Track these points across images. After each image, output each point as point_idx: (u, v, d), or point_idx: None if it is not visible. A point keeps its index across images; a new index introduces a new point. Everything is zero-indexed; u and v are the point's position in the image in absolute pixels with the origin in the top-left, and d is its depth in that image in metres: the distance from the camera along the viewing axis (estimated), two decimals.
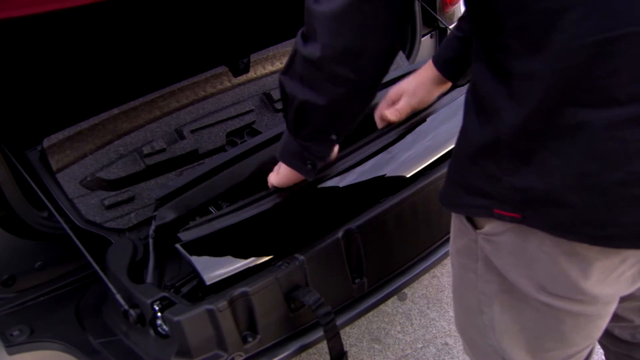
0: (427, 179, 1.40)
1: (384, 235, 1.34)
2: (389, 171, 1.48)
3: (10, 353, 1.26)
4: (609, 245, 0.76)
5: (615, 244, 0.75)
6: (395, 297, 2.11)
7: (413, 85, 1.31)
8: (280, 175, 1.19)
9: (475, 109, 0.82)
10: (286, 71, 0.95)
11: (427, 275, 2.20)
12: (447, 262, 2.26)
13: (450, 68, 1.25)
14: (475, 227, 0.88)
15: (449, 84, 1.30)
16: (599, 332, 0.92)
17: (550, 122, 0.72)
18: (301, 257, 1.18)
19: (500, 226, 0.83)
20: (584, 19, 0.66)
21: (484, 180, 0.81)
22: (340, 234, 1.24)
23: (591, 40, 0.66)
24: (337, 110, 0.94)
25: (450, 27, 2.01)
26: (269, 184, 1.24)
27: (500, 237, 0.84)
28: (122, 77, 2.08)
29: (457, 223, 0.94)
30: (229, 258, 1.21)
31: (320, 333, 1.24)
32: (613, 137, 0.69)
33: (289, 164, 1.10)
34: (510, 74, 0.74)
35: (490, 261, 0.88)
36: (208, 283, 1.17)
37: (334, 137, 1.01)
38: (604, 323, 0.90)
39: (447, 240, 1.49)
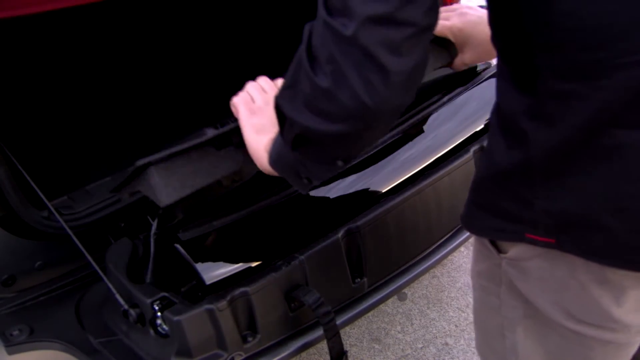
0: (428, 179, 1.40)
1: (384, 235, 1.34)
2: (389, 171, 1.48)
3: (10, 353, 1.26)
4: None
5: None
6: (395, 297, 2.11)
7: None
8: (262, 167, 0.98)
9: (501, 130, 0.78)
10: (286, 89, 0.77)
11: (427, 275, 2.20)
12: (447, 262, 2.28)
13: None
14: (499, 251, 0.86)
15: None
16: (627, 359, 0.88)
17: (587, 143, 0.68)
18: (301, 257, 1.18)
19: (528, 251, 0.80)
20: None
21: (513, 203, 0.78)
22: (340, 233, 1.24)
23: None
24: (351, 139, 0.76)
25: None
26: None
27: (527, 262, 0.81)
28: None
29: (478, 246, 0.91)
30: (228, 258, 1.21)
31: (320, 332, 1.24)
32: None
33: (281, 172, 0.92)
34: (544, 95, 0.70)
35: (515, 286, 0.85)
36: (208, 283, 1.17)
37: (340, 163, 0.84)
38: (633, 350, 0.87)
39: (447, 240, 1.50)
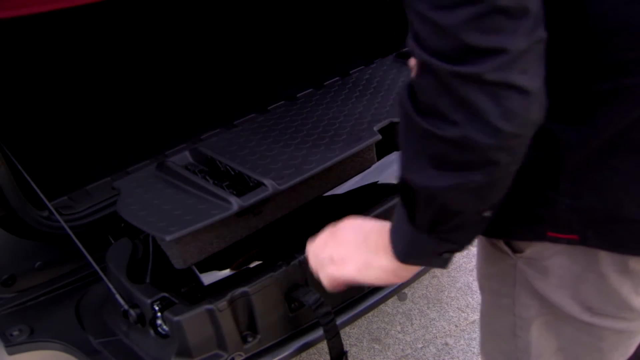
0: None
1: None
2: (390, 171, 1.48)
3: (10, 353, 1.26)
4: None
5: None
6: (395, 297, 2.11)
7: None
8: (377, 272, 0.84)
9: None
10: (409, 165, 0.70)
11: (427, 275, 2.20)
12: None
13: None
14: (514, 251, 0.86)
15: None
16: (634, 348, 0.90)
17: (616, 140, 0.69)
18: (301, 257, 1.18)
19: (546, 249, 0.81)
20: None
21: (534, 204, 0.78)
22: None
23: None
24: (498, 180, 0.68)
25: None
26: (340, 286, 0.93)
27: (544, 260, 0.82)
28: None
29: (488, 248, 0.91)
30: (227, 258, 1.21)
31: (320, 333, 1.24)
32: None
33: (416, 262, 0.80)
34: (577, 95, 0.70)
35: (531, 285, 0.86)
36: (206, 284, 1.17)
37: (488, 213, 0.74)
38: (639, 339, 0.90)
39: None
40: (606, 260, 0.77)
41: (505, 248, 0.87)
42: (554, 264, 0.82)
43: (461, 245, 0.77)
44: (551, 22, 0.64)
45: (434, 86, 0.60)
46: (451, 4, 0.57)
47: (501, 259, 0.89)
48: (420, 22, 0.59)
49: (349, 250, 0.86)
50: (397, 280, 0.84)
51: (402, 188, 0.73)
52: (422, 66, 0.61)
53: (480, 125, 0.60)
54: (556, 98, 0.71)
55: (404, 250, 0.78)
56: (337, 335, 1.17)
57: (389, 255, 0.80)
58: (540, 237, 0.80)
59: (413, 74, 0.65)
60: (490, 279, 0.94)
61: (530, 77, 0.60)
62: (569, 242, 0.77)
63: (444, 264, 0.79)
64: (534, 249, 0.83)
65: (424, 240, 0.75)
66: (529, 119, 0.62)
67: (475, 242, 1.02)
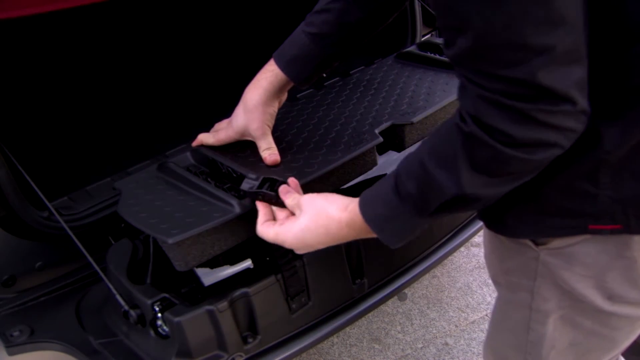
0: None
1: None
2: (390, 171, 1.48)
3: (10, 353, 1.26)
4: None
5: None
6: (395, 297, 2.11)
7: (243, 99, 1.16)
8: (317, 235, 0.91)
9: None
10: (458, 162, 0.74)
11: (427, 275, 2.20)
12: (447, 262, 2.28)
13: (296, 68, 1.11)
14: (537, 243, 0.87)
15: (285, 95, 1.17)
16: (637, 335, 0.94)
17: None
18: (301, 258, 1.18)
19: (574, 238, 0.83)
20: None
21: (573, 200, 0.80)
22: None
23: None
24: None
25: None
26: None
27: (572, 248, 0.84)
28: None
29: (506, 243, 0.92)
30: (226, 260, 1.21)
31: (320, 333, 1.24)
32: None
33: (399, 238, 0.85)
34: (627, 92, 0.73)
35: (554, 276, 0.87)
36: (206, 284, 1.17)
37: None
38: None
39: (447, 240, 1.50)
40: (639, 244, 0.80)
41: (528, 241, 0.88)
42: (581, 253, 0.83)
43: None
44: (596, 21, 0.69)
45: (517, 119, 0.67)
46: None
47: (521, 252, 0.90)
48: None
49: (314, 245, 0.93)
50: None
51: (425, 187, 0.77)
52: (497, 103, 0.67)
53: (543, 150, 0.69)
54: (600, 95, 0.73)
55: (395, 238, 0.84)
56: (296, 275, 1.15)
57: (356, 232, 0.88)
58: (581, 231, 0.81)
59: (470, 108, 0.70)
60: (508, 273, 0.95)
61: (580, 100, 0.68)
62: (612, 232, 0.79)
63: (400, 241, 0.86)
64: (561, 240, 0.85)
65: (409, 220, 0.82)
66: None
67: (483, 238, 1.03)
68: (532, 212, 0.84)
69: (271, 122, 1.16)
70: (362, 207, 0.85)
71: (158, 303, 1.10)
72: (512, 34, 0.63)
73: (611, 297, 0.85)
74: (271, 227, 0.95)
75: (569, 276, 0.86)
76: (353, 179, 1.27)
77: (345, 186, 1.30)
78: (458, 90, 0.73)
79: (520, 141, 0.68)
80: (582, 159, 0.77)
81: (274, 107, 1.15)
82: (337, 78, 1.65)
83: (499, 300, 1.02)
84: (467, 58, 0.68)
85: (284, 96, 1.17)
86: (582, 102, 0.68)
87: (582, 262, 0.84)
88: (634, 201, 0.77)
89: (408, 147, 1.37)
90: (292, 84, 1.14)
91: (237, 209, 1.06)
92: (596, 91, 0.73)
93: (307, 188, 1.17)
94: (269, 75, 1.12)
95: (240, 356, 1.14)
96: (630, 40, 0.71)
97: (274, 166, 1.18)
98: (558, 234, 0.85)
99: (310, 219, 0.90)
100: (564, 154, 0.75)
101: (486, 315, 2.08)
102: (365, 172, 1.29)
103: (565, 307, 0.89)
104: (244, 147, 1.29)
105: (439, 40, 1.71)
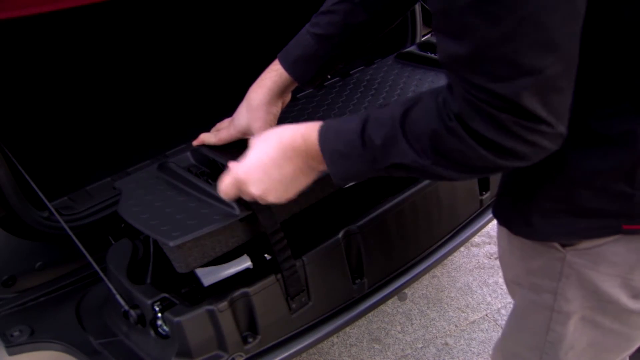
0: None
1: (384, 235, 1.34)
2: None
3: (10, 354, 1.26)
4: None
5: None
6: (395, 297, 2.11)
7: (246, 99, 1.15)
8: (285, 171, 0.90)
9: (576, 139, 0.79)
10: (435, 164, 0.78)
11: (427, 275, 2.20)
12: (447, 262, 2.28)
13: (300, 68, 1.11)
14: (564, 245, 0.88)
15: (289, 96, 1.18)
16: None
17: None
18: (302, 257, 1.18)
19: (605, 238, 0.84)
20: None
21: (607, 201, 0.81)
22: (340, 234, 1.25)
23: None
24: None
25: None
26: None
27: (600, 248, 0.85)
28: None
29: (530, 245, 0.92)
30: (226, 260, 1.21)
31: (320, 333, 1.24)
32: None
33: (332, 166, 0.86)
34: None
35: (580, 276, 0.88)
36: (206, 285, 1.17)
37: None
38: None
39: (447, 240, 1.50)
40: None
41: (554, 243, 0.89)
42: (609, 252, 0.84)
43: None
44: (621, 21, 0.71)
45: (497, 127, 0.69)
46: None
47: (546, 254, 0.90)
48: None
49: (270, 185, 0.90)
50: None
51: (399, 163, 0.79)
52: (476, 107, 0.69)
53: (511, 158, 0.72)
54: (635, 95, 0.75)
55: (346, 178, 0.86)
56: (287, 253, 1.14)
57: (317, 172, 0.90)
58: (615, 231, 0.82)
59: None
60: (531, 274, 0.95)
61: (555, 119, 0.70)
62: None
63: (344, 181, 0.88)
64: (591, 240, 0.85)
65: (368, 170, 0.84)
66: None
67: (498, 239, 1.03)
68: (564, 215, 0.85)
69: (274, 122, 1.15)
70: (322, 138, 0.85)
71: (158, 303, 1.10)
72: (505, 51, 0.64)
73: (636, 295, 0.86)
74: (227, 175, 0.93)
75: (595, 276, 0.87)
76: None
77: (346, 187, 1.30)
78: (446, 85, 0.74)
79: (495, 145, 0.70)
80: (620, 160, 0.78)
81: (278, 107, 1.15)
82: (337, 78, 1.65)
83: (519, 301, 1.02)
84: (457, 65, 0.69)
85: (288, 97, 1.17)
86: (560, 127, 0.70)
87: (610, 261, 0.85)
88: None
89: None
90: (296, 85, 1.14)
91: (238, 212, 1.06)
92: (628, 93, 0.75)
93: (307, 189, 1.17)
94: (273, 75, 1.12)
95: (240, 356, 1.13)
96: None
97: None
98: (591, 236, 0.85)
99: (262, 143, 0.90)
100: (599, 156, 0.78)
101: (486, 315, 2.08)
102: None
103: (587, 307, 0.90)
104: (245, 148, 1.29)
105: None
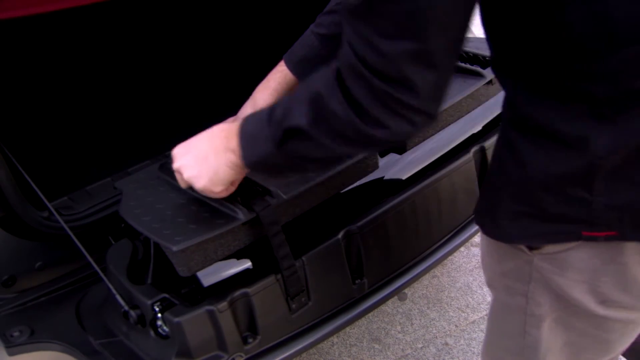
0: (428, 180, 1.39)
1: (384, 235, 1.34)
2: (390, 172, 1.48)
3: (10, 354, 1.26)
4: None
5: None
6: (395, 297, 2.11)
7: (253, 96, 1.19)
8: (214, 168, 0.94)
9: (537, 141, 0.79)
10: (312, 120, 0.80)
11: (427, 275, 2.20)
12: (447, 262, 2.28)
13: (305, 69, 1.13)
14: (531, 248, 0.87)
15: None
16: (634, 337, 0.93)
17: None
18: (301, 258, 1.18)
19: (567, 244, 0.83)
20: None
21: (567, 206, 0.80)
22: (340, 234, 1.25)
23: None
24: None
25: None
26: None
27: (565, 254, 0.84)
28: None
29: (502, 247, 0.92)
30: (227, 260, 1.20)
31: (320, 333, 1.24)
32: None
33: (242, 149, 0.89)
34: (605, 97, 0.72)
35: (547, 281, 0.87)
36: (206, 285, 1.17)
37: (310, 167, 0.96)
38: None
39: (447, 240, 1.50)
40: (631, 250, 0.80)
41: (522, 246, 0.88)
42: (574, 258, 0.83)
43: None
44: (581, 27, 0.70)
45: (371, 94, 0.71)
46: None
47: (516, 256, 0.90)
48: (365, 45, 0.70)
49: (198, 169, 0.95)
50: (239, 175, 0.96)
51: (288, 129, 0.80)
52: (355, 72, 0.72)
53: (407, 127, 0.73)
54: (588, 101, 0.73)
55: (253, 160, 0.88)
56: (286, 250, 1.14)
57: (235, 156, 0.91)
58: (576, 237, 0.81)
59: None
60: (504, 276, 0.95)
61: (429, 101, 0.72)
62: (607, 238, 0.79)
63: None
64: (554, 245, 0.84)
65: (270, 150, 0.84)
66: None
67: (480, 241, 1.03)
68: (528, 218, 0.84)
69: None
70: (242, 122, 0.88)
71: (158, 303, 1.10)
72: (395, 9, 0.66)
73: (604, 301, 0.84)
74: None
75: (562, 281, 0.86)
76: (354, 182, 1.27)
77: (346, 189, 1.31)
78: (339, 50, 0.75)
79: (363, 111, 0.72)
80: (575, 165, 0.77)
81: None
82: None
83: (494, 304, 1.02)
84: (352, 16, 0.70)
85: None
86: (428, 106, 0.71)
87: (575, 268, 0.84)
88: (630, 208, 0.76)
89: (409, 149, 1.37)
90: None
91: (241, 217, 1.06)
92: (584, 96, 0.73)
93: (308, 192, 1.17)
94: (278, 76, 1.14)
95: (240, 356, 1.13)
96: (616, 45, 0.70)
97: None
98: (552, 240, 0.85)
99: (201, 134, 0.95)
100: (558, 160, 0.76)
101: (486, 315, 2.08)
102: (366, 175, 1.29)
103: (558, 309, 0.89)
104: None
105: None
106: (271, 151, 0.83)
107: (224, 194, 1.01)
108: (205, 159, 0.93)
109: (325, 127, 0.77)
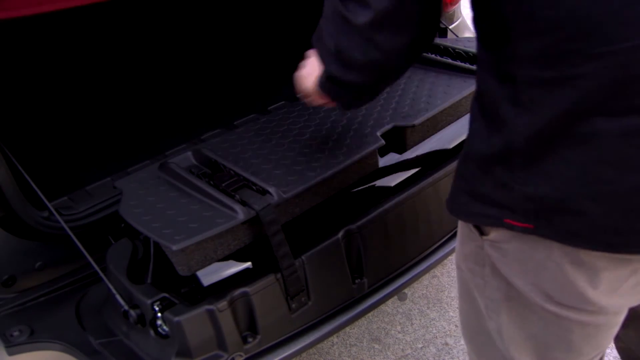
0: (427, 180, 1.40)
1: (384, 235, 1.34)
2: (389, 172, 1.49)
3: (10, 353, 1.26)
4: (626, 252, 0.76)
5: (632, 250, 0.75)
6: (395, 297, 2.11)
7: None
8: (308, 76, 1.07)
9: (482, 117, 0.81)
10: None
11: (427, 275, 2.20)
12: (447, 262, 2.27)
13: None
14: (482, 233, 0.88)
15: None
16: (608, 341, 0.91)
17: (566, 130, 0.71)
18: (301, 257, 1.18)
19: (507, 233, 0.82)
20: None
21: (494, 189, 0.80)
22: (340, 234, 1.25)
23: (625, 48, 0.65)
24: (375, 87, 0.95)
25: (450, 27, 2.01)
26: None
27: (506, 244, 0.84)
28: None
29: (464, 229, 0.94)
30: (227, 259, 1.20)
31: (320, 333, 1.24)
32: (630, 144, 0.69)
33: (325, 89, 1.00)
34: (524, 82, 0.73)
35: (497, 268, 0.87)
36: (205, 284, 1.17)
37: (365, 98, 1.00)
38: (613, 332, 0.90)
39: (447, 240, 1.50)
40: (559, 251, 0.79)
41: (474, 230, 0.89)
42: (515, 250, 0.83)
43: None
44: (503, 5, 0.71)
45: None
46: None
47: (473, 240, 0.91)
48: None
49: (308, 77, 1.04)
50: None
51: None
52: None
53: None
54: (508, 85, 0.74)
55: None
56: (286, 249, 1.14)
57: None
58: (499, 223, 0.82)
59: None
60: (466, 259, 0.96)
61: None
62: (524, 230, 0.79)
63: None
64: (497, 233, 0.85)
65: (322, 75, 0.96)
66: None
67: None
68: (464, 194, 0.86)
69: None
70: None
71: (158, 303, 1.10)
72: None
73: (549, 298, 0.83)
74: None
75: (509, 271, 0.86)
76: (354, 181, 1.28)
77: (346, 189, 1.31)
78: None
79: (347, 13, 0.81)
80: (497, 146, 0.78)
81: None
82: None
83: (461, 285, 1.02)
84: None
85: None
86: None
87: (518, 259, 0.84)
88: (544, 202, 0.76)
89: (409, 149, 1.37)
90: None
91: (241, 216, 1.06)
92: (509, 79, 0.74)
93: (309, 192, 1.17)
94: None
95: (240, 356, 1.13)
96: (511, 36, 0.72)
97: (277, 171, 1.18)
98: (479, 221, 0.86)
99: None
100: (487, 139, 0.78)
101: None
102: (366, 174, 1.29)
103: (513, 298, 0.88)
104: (246, 149, 1.29)
105: (440, 42, 1.71)
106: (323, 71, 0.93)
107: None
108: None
109: (332, 29, 0.86)
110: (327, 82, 0.94)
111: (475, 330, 1.02)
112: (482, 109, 0.82)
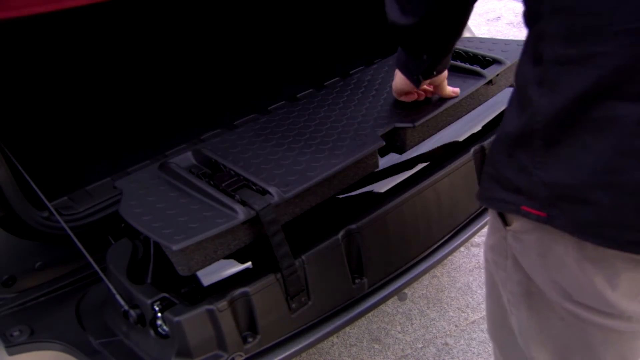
0: (428, 180, 1.40)
1: (384, 235, 1.34)
2: (389, 171, 1.48)
3: (10, 353, 1.26)
4: (635, 252, 0.71)
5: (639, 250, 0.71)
6: (395, 297, 2.11)
7: None
8: (395, 79, 1.34)
9: (514, 99, 0.81)
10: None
11: (427, 275, 2.20)
12: (447, 262, 2.28)
13: None
14: (506, 223, 0.86)
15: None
16: (635, 355, 0.86)
17: (585, 113, 0.69)
18: (301, 257, 1.18)
19: (529, 224, 0.80)
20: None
21: (517, 173, 0.78)
22: (340, 234, 1.25)
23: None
24: (424, 31, 1.05)
25: None
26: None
27: (528, 235, 0.81)
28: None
29: (491, 219, 0.92)
30: (227, 259, 1.20)
31: (320, 333, 1.24)
32: None
33: (401, 70, 1.28)
34: (549, 61, 0.72)
35: (518, 261, 0.85)
36: (205, 284, 1.17)
37: (425, 57, 1.15)
38: None
39: (448, 240, 1.50)
40: (577, 244, 0.76)
41: (499, 219, 0.87)
42: (535, 241, 0.81)
43: (417, 72, 1.23)
44: None
45: None
46: None
47: (498, 230, 0.89)
48: None
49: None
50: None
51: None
52: None
53: None
54: (537, 64, 0.74)
55: (397, 57, 1.25)
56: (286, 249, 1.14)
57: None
58: (517, 210, 0.80)
59: None
60: (491, 250, 0.94)
61: None
62: (538, 219, 0.77)
63: (414, 82, 1.28)
64: (520, 223, 0.82)
65: (402, 53, 1.21)
66: None
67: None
68: (490, 177, 0.85)
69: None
70: None
71: (158, 303, 1.10)
72: None
73: (569, 296, 0.80)
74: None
75: (529, 265, 0.84)
76: (354, 181, 1.28)
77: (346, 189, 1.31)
78: None
79: None
80: (522, 126, 0.77)
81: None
82: (338, 78, 1.65)
83: (487, 277, 1.00)
84: None
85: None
86: None
87: (538, 253, 0.81)
88: (557, 187, 0.73)
89: (409, 149, 1.37)
90: None
91: (241, 216, 1.06)
92: (538, 58, 0.73)
93: (309, 192, 1.17)
94: None
95: (240, 356, 1.13)
96: (539, 12, 0.72)
97: (277, 171, 1.18)
98: (497, 207, 0.85)
99: None
100: (513, 119, 0.78)
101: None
102: (366, 174, 1.29)
103: (533, 293, 0.86)
104: (246, 149, 1.29)
105: None
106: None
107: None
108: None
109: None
110: (394, 34, 1.08)
111: (499, 325, 1.01)
112: (516, 92, 0.81)
